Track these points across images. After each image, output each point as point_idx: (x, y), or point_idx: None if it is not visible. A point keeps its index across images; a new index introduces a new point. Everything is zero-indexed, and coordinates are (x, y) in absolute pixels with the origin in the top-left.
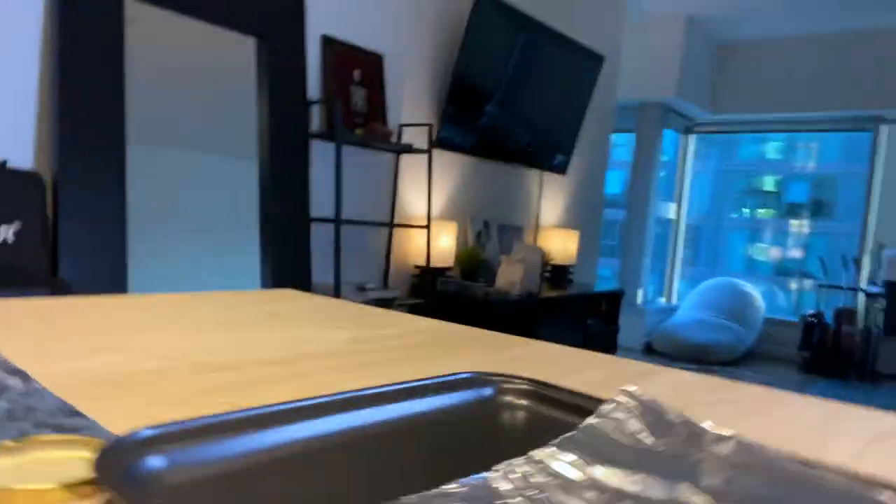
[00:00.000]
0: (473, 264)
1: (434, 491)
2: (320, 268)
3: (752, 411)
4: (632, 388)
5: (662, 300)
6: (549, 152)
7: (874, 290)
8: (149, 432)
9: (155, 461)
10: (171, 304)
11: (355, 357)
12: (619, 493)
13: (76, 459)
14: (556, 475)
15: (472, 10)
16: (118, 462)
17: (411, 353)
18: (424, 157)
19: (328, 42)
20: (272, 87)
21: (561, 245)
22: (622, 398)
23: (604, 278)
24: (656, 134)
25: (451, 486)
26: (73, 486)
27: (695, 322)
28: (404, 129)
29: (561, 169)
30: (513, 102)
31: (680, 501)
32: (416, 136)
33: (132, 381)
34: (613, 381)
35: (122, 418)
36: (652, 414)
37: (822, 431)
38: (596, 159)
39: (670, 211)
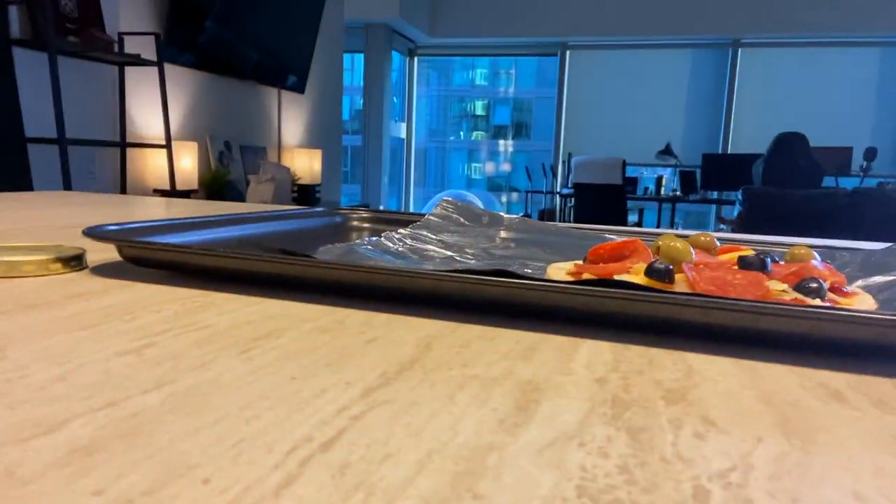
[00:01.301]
0: (219, 185)
1: (351, 243)
2: None
3: None
4: (448, 197)
5: None
6: (282, 71)
7: (566, 191)
8: (112, 227)
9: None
10: None
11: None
12: (457, 245)
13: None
14: (418, 239)
15: None
16: (101, 237)
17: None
18: (149, 71)
19: None
20: None
21: (306, 164)
22: (444, 203)
23: (345, 203)
24: (385, 55)
25: (359, 241)
26: (64, 260)
27: None
28: (126, 38)
29: (298, 89)
30: (234, 18)
31: (491, 245)
32: (139, 48)
33: (4, 235)
34: None
35: None
36: (465, 209)
37: None
38: (332, 78)
39: (401, 131)
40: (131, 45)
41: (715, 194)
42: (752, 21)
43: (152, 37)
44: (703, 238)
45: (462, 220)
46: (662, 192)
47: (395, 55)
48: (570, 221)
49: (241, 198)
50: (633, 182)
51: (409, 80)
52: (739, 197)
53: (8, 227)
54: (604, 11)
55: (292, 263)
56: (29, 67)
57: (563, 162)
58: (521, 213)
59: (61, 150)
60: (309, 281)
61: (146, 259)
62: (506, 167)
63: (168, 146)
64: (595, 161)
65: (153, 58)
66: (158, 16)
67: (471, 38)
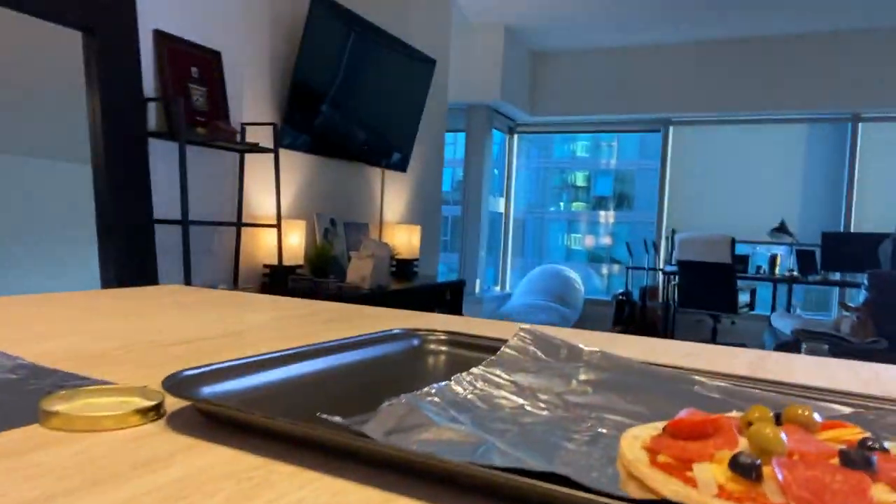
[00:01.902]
0: (323, 261)
1: (418, 392)
2: (165, 270)
3: None
4: (526, 326)
5: (497, 289)
6: (387, 151)
7: (670, 269)
8: (190, 372)
9: (205, 390)
10: (57, 302)
11: (287, 329)
12: (530, 388)
13: (123, 401)
14: (489, 381)
15: (309, 10)
16: (177, 388)
17: (332, 326)
18: (267, 156)
19: (161, 37)
20: (103, 84)
21: (405, 240)
22: (521, 333)
23: (443, 272)
24: (485, 134)
25: (426, 389)
26: (143, 412)
27: (526, 306)
28: (248, 128)
29: (401, 167)
30: (346, 102)
31: (568, 389)
32: (259, 136)
33: (102, 355)
34: None
35: (122, 379)
36: (543, 340)
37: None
38: (433, 157)
39: (500, 206)
40: (251, 134)
41: (837, 275)
42: (873, 95)
43: (271, 126)
44: (800, 412)
45: (539, 353)
46: (777, 271)
47: (496, 133)
48: (674, 299)
49: (342, 272)
50: (743, 260)
51: (508, 154)
52: (865, 281)
53: (109, 347)
54: (707, 88)
55: (340, 440)
56: (161, 155)
57: (667, 238)
58: (621, 291)
59: (184, 230)
60: (363, 457)
61: (214, 414)
62: (606, 240)
63: (278, 225)
64: (701, 238)
65: (270, 145)
66: (278, 106)
67: (571, 115)
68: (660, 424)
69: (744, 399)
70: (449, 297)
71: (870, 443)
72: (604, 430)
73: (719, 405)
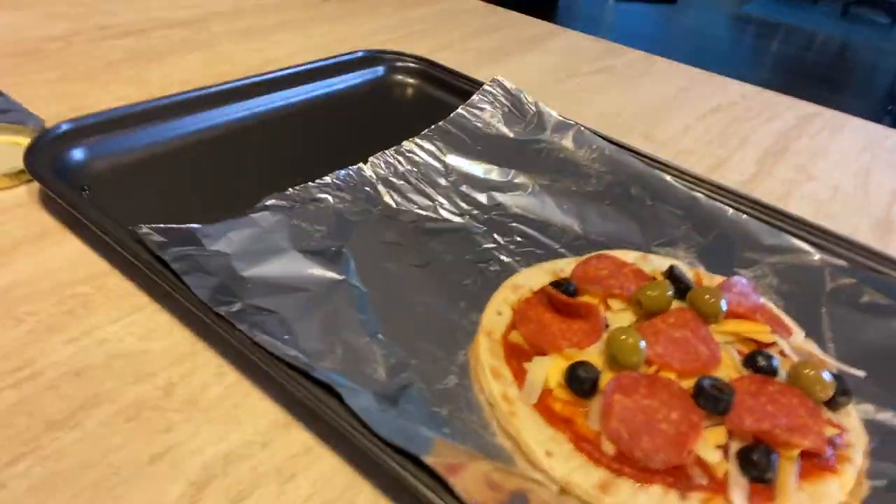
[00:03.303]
0: None
1: (314, 182)
2: None
3: (626, 77)
4: (501, 78)
5: None
6: None
7: None
8: (67, 126)
9: (76, 153)
10: None
11: (262, 16)
12: (465, 176)
13: (12, 146)
14: (415, 162)
15: None
16: (44, 156)
17: (319, 13)
18: None
19: None
20: None
21: None
22: (491, 87)
23: None
24: None
25: (328, 178)
26: (11, 175)
27: None
28: None
29: None
30: None
31: (514, 182)
32: None
33: (41, 50)
34: (511, 47)
35: (40, 97)
36: (512, 104)
37: (673, 101)
38: None
39: None
40: None
41: None
42: None
43: None
44: (706, 297)
45: (497, 119)
46: None
47: None
48: None
49: None
50: None
51: None
52: None
53: (50, 34)
54: None
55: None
56: None
57: None
58: None
59: None
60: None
61: (73, 205)
62: None
63: None
64: None
65: None
66: None
67: None
68: (552, 266)
69: (704, 221)
70: None
71: (759, 358)
72: (506, 260)
73: (670, 230)
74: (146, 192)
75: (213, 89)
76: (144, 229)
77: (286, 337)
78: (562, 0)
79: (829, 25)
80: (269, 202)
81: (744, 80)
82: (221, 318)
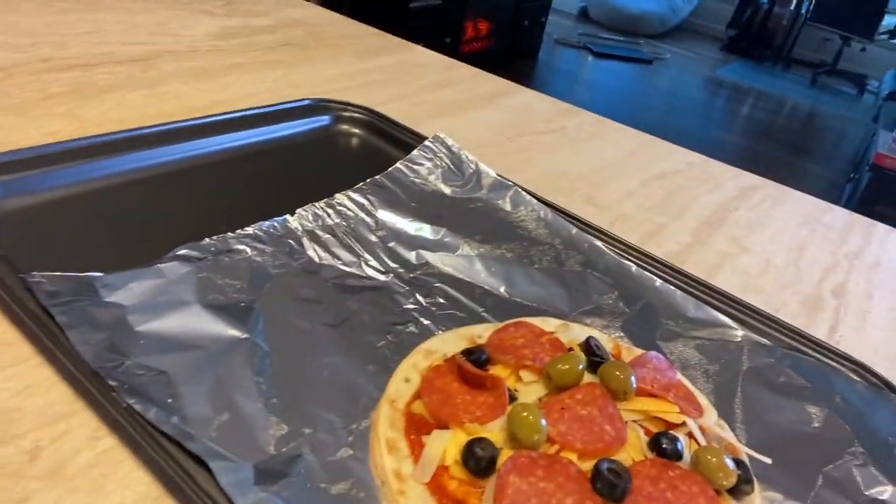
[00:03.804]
0: None
1: (234, 233)
2: None
3: (575, 139)
4: (443, 135)
5: None
6: None
7: None
8: None
9: None
10: None
11: (216, 58)
12: (395, 232)
13: None
14: (345, 216)
15: None
16: None
17: (277, 57)
18: None
19: None
20: None
21: None
22: (432, 143)
23: None
24: None
25: (250, 229)
26: None
27: None
28: None
29: None
30: None
31: (444, 242)
32: None
33: None
34: (466, 102)
35: None
36: (452, 161)
37: (619, 165)
38: None
39: None
40: None
41: None
42: None
43: None
44: (617, 373)
45: (437, 176)
46: None
47: None
48: (808, 9)
49: None
50: None
51: None
52: None
53: None
54: None
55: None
56: None
57: None
58: None
59: None
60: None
61: None
62: None
63: None
64: None
65: None
66: None
67: None
68: (469, 332)
69: (635, 290)
70: None
71: (664, 441)
72: (425, 322)
73: (597, 298)
74: (57, 236)
75: (146, 130)
76: (36, 277)
77: (169, 401)
78: (542, 54)
79: (798, 93)
80: (181, 252)
81: (715, 140)
82: (99, 378)
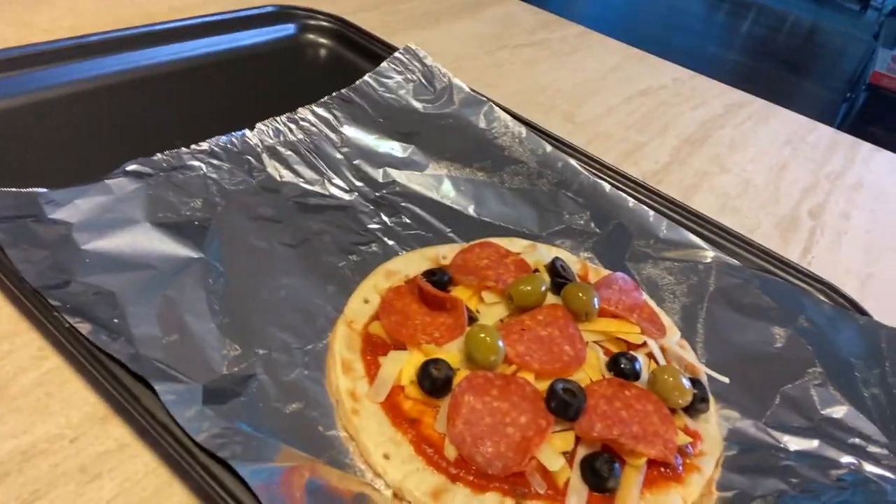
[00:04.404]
0: None
1: (188, 148)
2: None
3: (558, 53)
4: (415, 47)
5: None
6: None
7: None
8: None
9: None
10: None
11: None
12: (361, 150)
13: None
14: (308, 132)
15: None
16: None
17: None
18: None
19: None
20: None
21: None
22: (402, 55)
23: None
24: None
25: (205, 144)
26: None
27: None
28: None
29: None
30: None
31: (412, 160)
32: None
33: None
34: (443, 12)
35: None
36: (424, 75)
37: (601, 81)
38: None
39: None
40: None
41: None
42: None
43: None
44: (580, 295)
45: (407, 91)
46: None
47: None
48: None
49: None
50: None
51: None
52: None
53: None
54: None
55: None
56: None
57: None
58: None
59: None
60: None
61: None
62: None
63: None
64: None
65: None
66: None
67: None
68: (434, 252)
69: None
70: None
71: (623, 361)
72: (389, 243)
73: (568, 218)
74: None
75: (96, 37)
76: None
77: (115, 321)
78: None
79: (800, 7)
80: (131, 167)
81: (712, 57)
82: (41, 298)
